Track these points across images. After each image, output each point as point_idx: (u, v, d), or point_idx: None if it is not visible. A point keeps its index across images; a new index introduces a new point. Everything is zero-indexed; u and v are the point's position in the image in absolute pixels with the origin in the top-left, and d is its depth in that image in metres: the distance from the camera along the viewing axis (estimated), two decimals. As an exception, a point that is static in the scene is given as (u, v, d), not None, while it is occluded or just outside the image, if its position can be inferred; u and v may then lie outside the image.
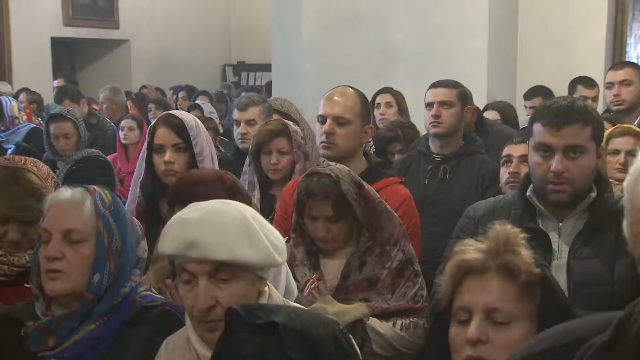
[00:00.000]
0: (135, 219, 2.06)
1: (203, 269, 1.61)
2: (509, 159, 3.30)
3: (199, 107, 5.86)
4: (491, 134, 4.30)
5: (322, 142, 2.97)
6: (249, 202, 2.13)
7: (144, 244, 2.04)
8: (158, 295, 2.00)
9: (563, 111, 2.22)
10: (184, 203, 2.01)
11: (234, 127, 4.42)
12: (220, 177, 2.34)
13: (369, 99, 5.05)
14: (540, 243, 2.25)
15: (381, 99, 5.02)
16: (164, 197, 2.69)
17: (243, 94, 4.91)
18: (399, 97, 5.03)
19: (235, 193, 2.26)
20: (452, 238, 2.46)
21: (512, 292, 1.55)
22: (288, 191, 3.11)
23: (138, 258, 1.98)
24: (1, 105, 6.02)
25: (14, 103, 6.16)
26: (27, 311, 1.93)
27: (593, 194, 2.28)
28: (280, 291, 2.04)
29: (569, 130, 2.21)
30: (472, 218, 2.46)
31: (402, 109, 5.00)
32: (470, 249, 1.60)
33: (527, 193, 2.35)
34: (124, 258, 1.91)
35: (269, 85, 8.14)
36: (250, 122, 4.23)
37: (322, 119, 2.99)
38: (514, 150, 3.29)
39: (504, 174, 3.29)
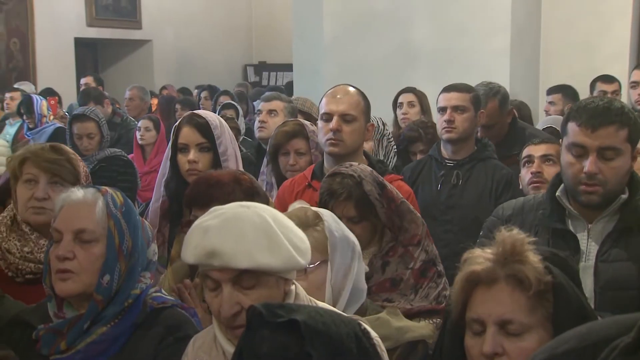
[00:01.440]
0: (145, 221, 2.06)
1: (226, 277, 1.61)
2: (530, 159, 3.27)
3: (234, 107, 5.86)
4: (528, 139, 4.24)
5: (328, 140, 2.97)
6: (266, 202, 2.14)
7: (154, 247, 2.04)
8: (168, 297, 2.00)
9: (599, 111, 2.18)
10: (201, 206, 2.01)
11: (256, 117, 4.53)
12: (237, 178, 2.34)
13: (391, 98, 5.09)
14: (568, 244, 2.24)
15: (404, 98, 4.99)
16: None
17: (267, 93, 4.99)
18: (421, 97, 5.00)
19: (253, 194, 2.26)
20: (480, 237, 2.44)
21: (523, 302, 1.52)
22: (286, 189, 3.12)
23: (148, 260, 1.99)
24: (32, 103, 6.10)
25: (44, 102, 6.25)
26: (37, 314, 1.94)
27: (624, 196, 2.24)
28: (345, 293, 2.03)
29: (605, 132, 2.16)
30: (500, 217, 2.43)
31: (425, 109, 4.98)
32: (478, 259, 1.57)
33: (557, 193, 2.32)
34: (134, 259, 1.91)
35: (289, 85, 8.17)
36: (271, 112, 4.33)
37: (327, 117, 2.99)
38: (534, 150, 3.27)
39: (526, 174, 3.26)
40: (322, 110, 3.04)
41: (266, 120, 4.33)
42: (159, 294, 1.96)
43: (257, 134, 4.43)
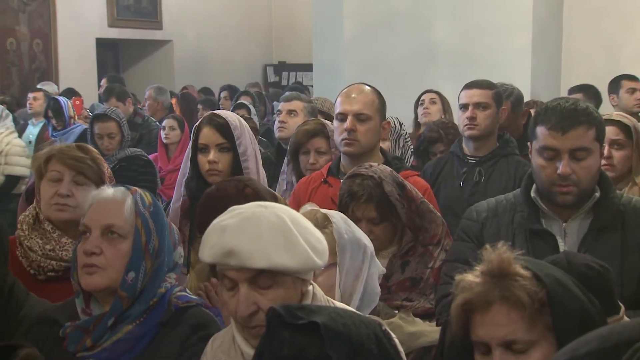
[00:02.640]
0: (173, 224, 2.08)
1: (243, 276, 1.61)
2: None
3: (245, 107, 5.89)
4: None
5: (343, 139, 2.97)
6: None
7: (180, 250, 2.05)
8: (193, 296, 2.01)
9: (567, 114, 2.21)
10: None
11: (276, 117, 4.54)
12: (241, 191, 2.37)
13: (411, 98, 5.09)
14: (548, 244, 2.26)
15: (426, 96, 5.06)
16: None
17: (287, 93, 5.02)
18: (443, 98, 5.02)
19: None
20: (455, 241, 2.44)
21: (522, 321, 1.51)
22: (302, 186, 3.13)
23: (174, 263, 2.00)
24: (60, 106, 6.16)
25: (69, 103, 6.30)
26: (64, 311, 1.96)
27: (597, 194, 2.28)
28: (356, 297, 2.02)
29: (575, 133, 2.20)
30: (475, 220, 2.43)
31: (446, 108, 4.99)
32: (470, 285, 1.55)
33: (532, 194, 2.33)
34: (160, 259, 1.93)
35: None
36: (291, 112, 4.34)
37: (342, 117, 2.99)
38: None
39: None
40: (336, 110, 3.04)
41: (286, 121, 4.34)
42: (183, 293, 1.97)
43: (277, 134, 4.44)
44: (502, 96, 3.81)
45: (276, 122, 4.49)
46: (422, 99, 5.04)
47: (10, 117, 6.35)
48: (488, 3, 5.58)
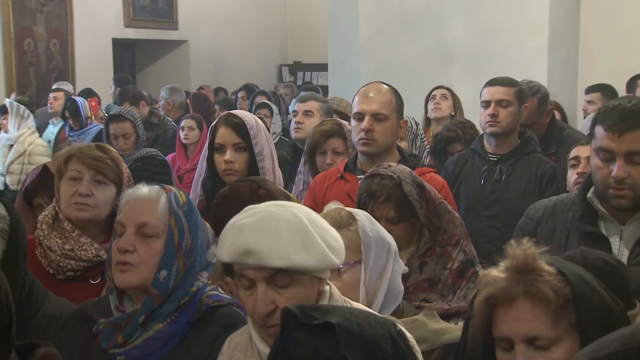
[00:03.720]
0: (207, 224, 2.09)
1: (261, 275, 1.61)
2: (577, 160, 3.23)
3: (268, 106, 5.89)
4: (565, 139, 4.19)
5: (360, 139, 2.97)
6: None
7: (213, 249, 2.05)
8: (224, 295, 2.02)
9: (626, 115, 2.14)
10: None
11: (292, 117, 4.53)
12: (254, 192, 2.38)
13: (425, 96, 5.07)
14: (600, 247, 2.19)
15: (437, 92, 5.03)
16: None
17: (302, 92, 5.01)
18: (454, 95, 5.00)
19: None
20: (513, 238, 2.42)
21: (545, 316, 1.50)
22: (318, 182, 3.13)
23: (207, 262, 2.01)
24: (77, 106, 6.20)
25: (87, 103, 6.35)
26: (98, 308, 1.98)
27: None
28: (380, 295, 2.03)
29: (631, 136, 2.13)
30: (531, 218, 2.41)
31: (457, 106, 4.97)
32: (494, 280, 1.54)
33: (588, 195, 2.30)
34: (193, 258, 1.94)
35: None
36: (307, 113, 4.33)
37: (359, 116, 2.99)
38: (581, 151, 3.22)
39: (572, 175, 3.22)
40: (354, 110, 3.04)
41: (302, 121, 4.33)
42: (215, 292, 1.98)
43: (293, 134, 4.43)
44: (525, 94, 3.80)
45: (292, 123, 4.48)
46: (433, 94, 5.01)
47: (32, 117, 6.42)
48: (504, 2, 5.56)
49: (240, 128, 2.92)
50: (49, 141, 6.65)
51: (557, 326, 1.51)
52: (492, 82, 3.72)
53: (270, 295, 1.61)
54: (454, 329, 2.14)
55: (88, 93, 7.46)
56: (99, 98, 7.49)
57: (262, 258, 1.58)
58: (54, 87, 7.60)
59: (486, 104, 3.65)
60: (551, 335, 1.50)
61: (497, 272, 1.55)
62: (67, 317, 2.02)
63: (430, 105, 4.97)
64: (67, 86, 8.11)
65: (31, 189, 2.78)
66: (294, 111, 4.51)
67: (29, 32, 9.72)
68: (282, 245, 1.58)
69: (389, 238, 2.12)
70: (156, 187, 1.97)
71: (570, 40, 5.87)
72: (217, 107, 7.28)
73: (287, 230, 1.60)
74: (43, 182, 2.67)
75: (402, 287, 2.12)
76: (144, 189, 1.96)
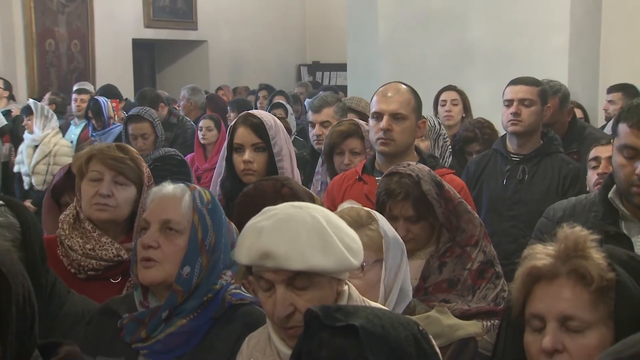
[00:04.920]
0: (232, 223, 2.10)
1: (279, 278, 1.61)
2: (597, 161, 3.21)
3: (282, 106, 5.89)
4: (587, 138, 4.16)
5: (379, 139, 2.96)
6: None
7: None
8: (247, 294, 2.02)
9: None
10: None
11: (309, 128, 4.47)
12: (278, 191, 2.38)
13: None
14: (622, 247, 2.17)
15: (447, 96, 4.92)
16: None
17: (320, 92, 4.92)
18: (464, 95, 4.94)
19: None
20: (531, 239, 2.41)
21: (585, 298, 1.49)
22: (336, 183, 3.12)
23: (232, 262, 2.02)
24: (100, 107, 6.25)
25: (109, 104, 6.39)
26: (124, 304, 2.00)
27: None
28: (394, 293, 2.04)
29: None
30: (551, 219, 2.39)
31: (467, 108, 4.93)
32: (539, 254, 1.54)
33: (610, 195, 2.28)
34: (217, 256, 1.95)
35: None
36: (324, 124, 4.27)
37: (378, 116, 2.98)
38: (601, 151, 3.20)
39: (592, 176, 3.20)
40: (372, 109, 3.03)
41: (321, 133, 4.25)
42: (238, 290, 1.99)
43: (315, 146, 4.33)
44: (548, 94, 3.77)
45: (311, 135, 4.40)
46: (443, 99, 4.91)
47: (55, 117, 6.48)
48: (525, 1, 5.52)
49: (259, 128, 2.93)
50: (71, 141, 6.70)
51: (594, 311, 1.49)
52: (515, 81, 3.71)
53: (289, 297, 1.62)
54: (467, 325, 2.14)
55: (109, 90, 7.50)
56: (121, 97, 7.53)
57: (281, 261, 1.58)
58: (75, 87, 7.65)
59: (509, 103, 3.64)
60: (587, 318, 1.48)
61: (544, 248, 1.55)
62: (93, 312, 2.04)
63: (441, 111, 4.91)
64: (88, 86, 8.17)
65: (58, 188, 2.81)
66: (310, 122, 4.41)
67: (50, 33, 9.81)
68: (301, 248, 1.58)
69: (400, 238, 2.14)
70: (181, 185, 2.00)
71: (591, 39, 5.82)
72: (229, 108, 7.26)
73: (306, 232, 1.60)
74: (70, 181, 2.69)
75: (410, 286, 2.14)
76: (169, 187, 1.99)
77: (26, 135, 6.33)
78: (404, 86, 3.07)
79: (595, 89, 5.84)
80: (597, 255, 1.52)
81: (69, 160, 6.09)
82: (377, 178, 2.95)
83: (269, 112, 5.36)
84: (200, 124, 5.81)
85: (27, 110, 6.34)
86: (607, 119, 5.66)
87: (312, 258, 1.58)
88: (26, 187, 6.30)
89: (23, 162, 6.33)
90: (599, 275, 1.48)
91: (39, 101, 8.00)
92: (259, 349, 1.76)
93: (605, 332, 1.49)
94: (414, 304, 2.14)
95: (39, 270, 1.99)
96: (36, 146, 6.25)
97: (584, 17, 5.65)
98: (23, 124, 6.40)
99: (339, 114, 4.35)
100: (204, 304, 1.92)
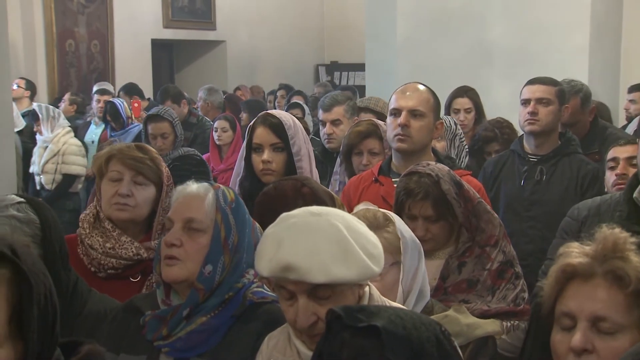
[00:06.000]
0: (257, 223, 2.10)
1: (301, 288, 1.60)
2: (615, 161, 3.19)
3: (300, 106, 5.89)
4: (608, 138, 4.13)
5: (396, 135, 2.95)
6: (332, 206, 2.13)
7: None
8: (269, 293, 2.01)
9: None
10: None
11: (320, 127, 4.47)
12: (298, 190, 2.38)
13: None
14: None
15: (460, 104, 4.83)
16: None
17: (325, 100, 4.88)
18: (476, 99, 4.83)
19: (315, 203, 2.26)
20: (555, 238, 2.39)
21: (620, 300, 1.47)
22: (352, 185, 3.12)
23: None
24: (117, 108, 6.29)
25: (125, 104, 6.42)
26: (148, 301, 2.01)
27: None
28: (412, 294, 2.03)
29: None
30: (575, 218, 2.38)
31: (480, 111, 4.84)
32: (576, 252, 1.53)
33: (635, 194, 2.26)
34: (239, 255, 1.96)
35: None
36: (335, 122, 4.27)
37: (396, 112, 2.97)
38: (619, 152, 3.18)
39: (610, 176, 3.18)
40: (391, 106, 3.02)
41: (332, 132, 4.26)
42: (260, 289, 1.99)
43: (326, 145, 4.34)
44: (566, 94, 3.74)
45: (322, 134, 4.40)
46: (455, 107, 4.81)
47: (62, 115, 6.51)
48: (544, 0, 5.48)
49: (278, 128, 2.92)
50: (92, 142, 6.73)
51: (628, 314, 1.47)
52: (532, 81, 3.69)
53: (311, 307, 1.61)
54: (485, 323, 2.14)
55: (131, 88, 7.52)
56: (142, 95, 7.55)
57: (302, 274, 1.57)
58: (96, 88, 7.69)
59: (526, 102, 3.62)
60: (619, 320, 1.47)
61: (581, 247, 1.53)
62: (117, 310, 2.06)
63: (455, 120, 4.85)
64: (109, 87, 8.21)
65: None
66: (321, 120, 4.39)
67: (70, 34, 9.89)
68: (322, 260, 1.56)
69: (417, 239, 2.13)
70: (205, 184, 2.01)
71: (612, 39, 5.76)
72: (241, 109, 7.26)
73: (326, 243, 1.59)
74: None
75: (428, 287, 2.13)
76: (193, 186, 2.00)
77: (38, 137, 6.37)
78: (423, 86, 3.06)
79: (616, 88, 5.79)
80: (636, 259, 1.50)
81: (77, 159, 6.16)
82: (393, 179, 2.94)
83: (287, 112, 5.36)
84: (215, 124, 5.79)
85: (34, 116, 6.35)
86: (628, 119, 5.62)
87: (334, 270, 1.57)
88: (37, 187, 6.34)
89: (35, 162, 6.38)
90: (637, 278, 1.46)
91: (60, 101, 8.08)
92: (278, 349, 1.76)
93: (637, 337, 1.47)
94: (431, 303, 2.13)
95: (58, 268, 2.00)
96: (47, 147, 6.28)
97: (605, 16, 5.60)
98: (34, 129, 6.43)
99: (350, 113, 4.35)
100: (225, 302, 1.93)
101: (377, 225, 2.02)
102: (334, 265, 1.57)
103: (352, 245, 1.60)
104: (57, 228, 2.06)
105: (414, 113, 2.94)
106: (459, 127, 4.10)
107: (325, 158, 4.19)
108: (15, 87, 7.27)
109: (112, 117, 6.30)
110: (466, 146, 4.16)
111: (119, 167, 2.44)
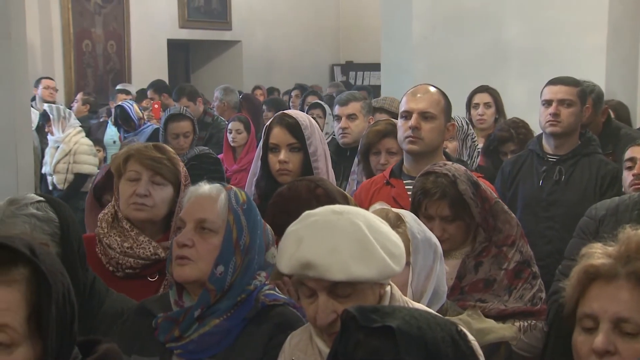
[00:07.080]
0: (268, 225, 2.11)
1: (322, 286, 1.61)
2: (632, 161, 3.16)
3: (320, 107, 5.88)
4: (622, 139, 4.10)
5: (407, 137, 2.94)
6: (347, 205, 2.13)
7: (274, 250, 2.05)
8: (281, 295, 2.03)
9: None
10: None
11: (335, 122, 4.48)
12: (312, 191, 2.38)
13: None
14: None
15: (480, 98, 4.87)
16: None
17: (341, 96, 4.92)
18: (496, 96, 4.87)
19: (329, 205, 2.26)
20: (573, 238, 2.38)
21: None
22: (363, 189, 3.11)
23: (267, 263, 2.03)
24: (126, 112, 6.32)
25: (134, 105, 6.45)
26: (160, 303, 2.02)
27: None
28: (426, 296, 2.02)
29: None
30: (593, 217, 2.37)
31: (500, 109, 4.86)
32: (599, 253, 1.51)
33: None
34: (251, 256, 1.96)
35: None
36: (351, 117, 4.29)
37: (407, 114, 2.96)
38: (637, 152, 3.15)
39: (628, 176, 3.15)
40: (402, 109, 3.02)
41: (347, 126, 4.27)
42: (272, 291, 2.00)
43: (340, 140, 4.34)
44: (587, 94, 3.71)
45: (337, 128, 4.41)
46: (475, 102, 4.86)
47: (72, 115, 6.54)
48: (561, 0, 5.45)
49: (294, 128, 2.93)
50: (114, 141, 6.76)
51: None
52: (554, 81, 3.65)
53: (331, 305, 1.61)
54: (499, 328, 2.12)
55: (160, 86, 7.51)
56: (170, 92, 7.55)
57: (322, 272, 1.58)
58: (119, 87, 7.71)
59: (547, 103, 3.58)
60: None
61: (604, 248, 1.52)
62: (129, 312, 2.07)
63: (474, 114, 4.85)
64: (130, 87, 8.24)
65: (100, 186, 2.85)
66: (336, 115, 4.41)
67: (87, 34, 9.95)
68: (342, 258, 1.57)
69: (435, 240, 2.11)
70: (217, 185, 2.01)
71: (629, 38, 5.72)
72: (265, 107, 7.29)
73: (347, 241, 1.59)
74: (110, 180, 2.72)
75: (445, 288, 2.11)
76: (205, 187, 2.00)
77: (49, 137, 6.41)
78: (434, 88, 3.05)
79: (634, 88, 5.74)
80: None
81: (89, 159, 6.19)
82: (405, 182, 2.94)
83: (307, 112, 5.38)
84: (230, 126, 5.76)
85: (45, 117, 6.37)
86: (646, 119, 5.57)
87: (354, 268, 1.57)
88: (50, 187, 6.38)
89: (47, 162, 6.42)
90: None
91: (73, 100, 8.14)
92: (300, 347, 1.76)
93: None
94: (446, 305, 2.13)
95: (77, 267, 2.02)
96: (59, 147, 6.32)
97: (622, 16, 5.55)
98: (46, 130, 6.47)
99: (366, 110, 4.36)
100: (237, 304, 1.93)
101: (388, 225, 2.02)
102: (353, 264, 1.57)
103: (372, 244, 1.60)
104: (75, 227, 2.07)
105: (424, 115, 2.93)
106: (470, 127, 4.09)
107: (337, 156, 4.19)
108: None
109: (123, 121, 6.34)
110: (478, 146, 4.14)
111: (137, 167, 2.46)
